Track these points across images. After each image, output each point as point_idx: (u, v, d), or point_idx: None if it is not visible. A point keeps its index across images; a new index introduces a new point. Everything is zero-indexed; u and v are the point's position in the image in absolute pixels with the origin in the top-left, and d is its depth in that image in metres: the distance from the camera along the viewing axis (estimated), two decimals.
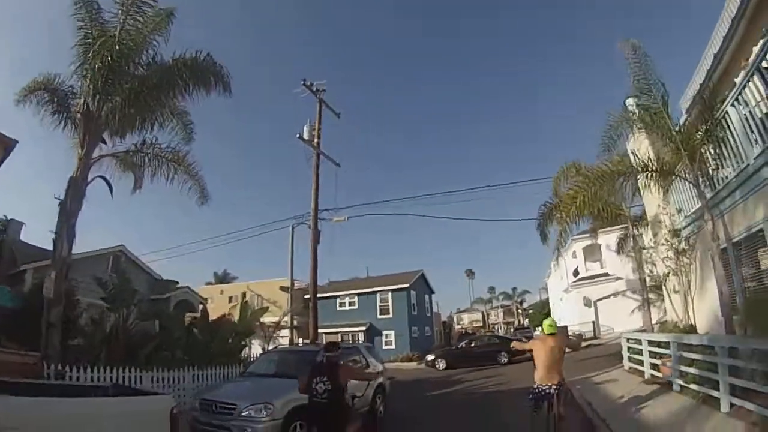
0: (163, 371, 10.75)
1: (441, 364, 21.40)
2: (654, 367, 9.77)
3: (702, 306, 10.14)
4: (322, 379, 5.02)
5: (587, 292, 28.28)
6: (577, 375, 13.51)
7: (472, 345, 23.17)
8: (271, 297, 33.37)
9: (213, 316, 15.68)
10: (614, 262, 28.47)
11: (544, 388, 5.54)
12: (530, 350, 6.09)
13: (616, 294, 27.76)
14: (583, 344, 22.76)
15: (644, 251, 12.51)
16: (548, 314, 50.56)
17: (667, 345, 8.87)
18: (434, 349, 28.53)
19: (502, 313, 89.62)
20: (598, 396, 9.25)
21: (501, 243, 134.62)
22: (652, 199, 12.22)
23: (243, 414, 6.57)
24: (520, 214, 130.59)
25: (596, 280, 28.61)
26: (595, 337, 25.68)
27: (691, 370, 7.49)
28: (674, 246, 10.68)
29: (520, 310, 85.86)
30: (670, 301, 11.00)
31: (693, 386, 7.38)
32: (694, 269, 10.49)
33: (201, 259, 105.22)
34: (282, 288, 20.18)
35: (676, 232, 10.76)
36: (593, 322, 26.98)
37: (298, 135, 16.80)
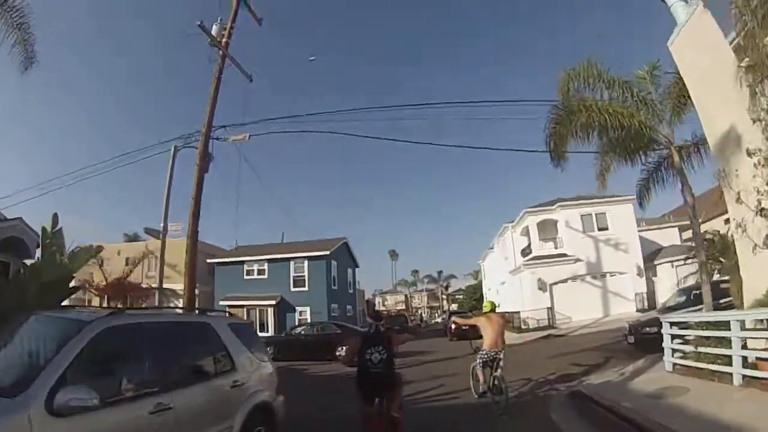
0: None
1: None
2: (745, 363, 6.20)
3: None
4: (378, 349, 4.96)
5: (542, 274, 24.69)
6: (586, 375, 9.31)
7: (305, 334, 18.92)
8: (173, 260, 26.84)
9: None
10: (573, 241, 25.33)
11: (492, 353, 7.15)
12: (474, 325, 7.82)
13: (574, 278, 24.56)
14: (542, 333, 19.18)
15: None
16: (481, 299, 48.34)
17: None
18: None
19: (426, 297, 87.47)
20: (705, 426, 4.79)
21: (429, 225, 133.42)
22: (721, 108, 7.98)
23: None
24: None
25: (552, 260, 25.13)
26: (551, 326, 22.17)
27: None
28: None
29: (444, 295, 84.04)
30: None
31: None
32: None
33: (115, 219, 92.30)
34: (148, 231, 13.88)
35: None
36: (548, 308, 23.51)
37: (199, 22, 11.06)
